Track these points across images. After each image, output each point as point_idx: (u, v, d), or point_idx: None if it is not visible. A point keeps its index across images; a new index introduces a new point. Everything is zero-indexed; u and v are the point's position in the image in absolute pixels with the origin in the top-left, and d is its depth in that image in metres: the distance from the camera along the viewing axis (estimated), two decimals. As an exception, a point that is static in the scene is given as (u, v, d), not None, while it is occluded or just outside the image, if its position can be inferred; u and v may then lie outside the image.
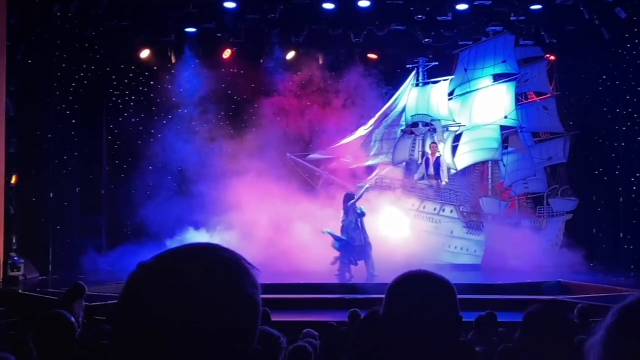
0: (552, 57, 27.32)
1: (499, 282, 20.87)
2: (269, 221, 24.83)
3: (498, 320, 11.84)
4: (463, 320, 2.74)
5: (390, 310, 2.66)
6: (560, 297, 18.63)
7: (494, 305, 15.59)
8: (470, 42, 27.03)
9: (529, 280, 21.21)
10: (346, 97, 26.99)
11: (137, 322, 1.63)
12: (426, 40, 26.27)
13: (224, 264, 1.72)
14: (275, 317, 12.47)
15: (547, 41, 26.08)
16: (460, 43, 26.99)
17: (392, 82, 27.85)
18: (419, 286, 2.70)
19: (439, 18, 25.23)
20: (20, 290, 18.93)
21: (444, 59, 27.41)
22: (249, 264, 1.78)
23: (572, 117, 27.49)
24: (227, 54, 27.38)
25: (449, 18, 25.22)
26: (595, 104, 26.71)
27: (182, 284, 1.64)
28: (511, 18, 25.52)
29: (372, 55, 27.49)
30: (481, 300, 17.31)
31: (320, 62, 27.26)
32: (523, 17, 25.43)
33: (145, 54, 26.97)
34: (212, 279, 1.67)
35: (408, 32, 26.01)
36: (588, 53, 26.41)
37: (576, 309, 11.82)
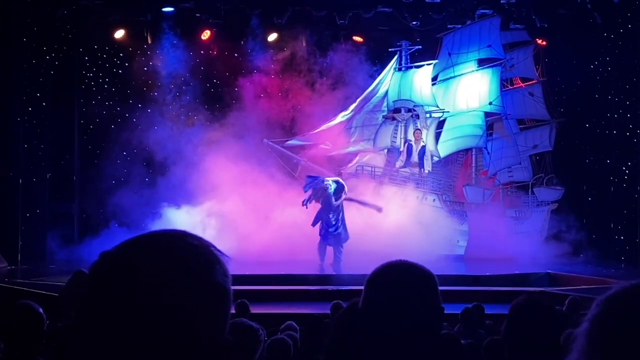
0: (543, 42, 27.33)
1: (486, 274, 20.95)
2: (249, 209, 24.79)
3: (485, 312, 11.92)
4: (446, 312, 2.76)
5: (369, 302, 2.67)
6: (550, 289, 18.73)
7: (481, 297, 15.70)
8: (460, 26, 27.01)
9: (517, 272, 21.29)
10: (331, 80, 26.94)
11: (101, 314, 1.61)
12: (414, 23, 26.18)
13: (192, 251, 1.69)
14: (255, 310, 12.50)
15: (538, 25, 26.06)
16: (449, 26, 26.95)
17: (378, 64, 27.77)
18: (398, 276, 2.71)
19: (426, 0, 25.18)
20: (-13, 281, 18.85)
21: (432, 43, 27.38)
22: (218, 251, 1.74)
23: (563, 104, 27.56)
24: (206, 35, 27.16)
25: (438, 0, 25.19)
26: (587, 91, 26.75)
27: (148, 272, 1.61)
28: (501, 1, 25.49)
29: (358, 38, 27.36)
30: (468, 292, 17.45)
31: (304, 44, 27.11)
32: (514, 0, 25.42)
33: (119, 34, 26.67)
34: (180, 267, 1.64)
35: (395, 14, 25.94)
36: (580, 38, 26.45)
37: (567, 301, 11.92)
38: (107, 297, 1.61)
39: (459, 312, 11.16)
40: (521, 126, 28.11)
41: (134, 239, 1.71)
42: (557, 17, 25.98)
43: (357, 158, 27.55)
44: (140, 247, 1.68)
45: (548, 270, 21.53)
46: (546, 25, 26.01)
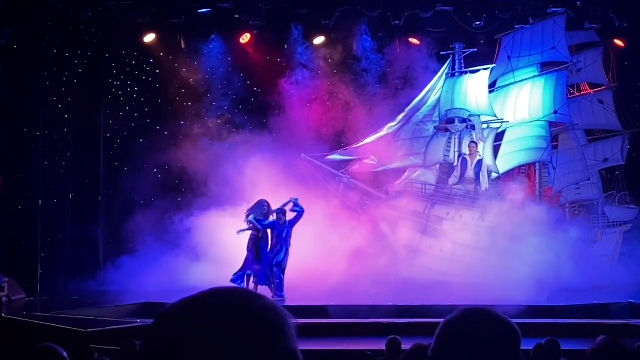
0: (621, 44, 27.07)
1: (560, 304, 20.68)
2: (294, 231, 24.72)
3: (561, 348, 11.79)
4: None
5: (442, 352, 2.62)
6: (634, 322, 18.51)
7: (555, 330, 15.55)
8: (528, 27, 26.77)
9: (594, 302, 21.00)
10: (383, 87, 26.99)
11: None
12: (477, 23, 26.01)
13: (262, 316, 1.68)
14: (301, 346, 12.44)
15: (616, 25, 25.74)
16: (517, 27, 26.67)
17: (436, 68, 27.64)
18: (477, 327, 2.66)
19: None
20: (3, 314, 18.92)
21: (493, 45, 27.26)
22: (285, 313, 1.73)
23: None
24: (245, 38, 27.25)
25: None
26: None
27: (217, 339, 1.59)
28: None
29: (414, 40, 27.29)
30: (540, 325, 17.28)
31: (355, 48, 27.15)
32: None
33: (150, 38, 26.82)
34: (250, 334, 1.63)
35: (456, 13, 25.81)
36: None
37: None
38: None
39: (530, 347, 11.05)
40: (590, 138, 27.81)
41: (194, 299, 1.69)
42: (637, 16, 25.69)
43: (406, 174, 27.45)
44: (206, 309, 1.67)
45: (631, 300, 21.21)
46: (626, 25, 25.69)
